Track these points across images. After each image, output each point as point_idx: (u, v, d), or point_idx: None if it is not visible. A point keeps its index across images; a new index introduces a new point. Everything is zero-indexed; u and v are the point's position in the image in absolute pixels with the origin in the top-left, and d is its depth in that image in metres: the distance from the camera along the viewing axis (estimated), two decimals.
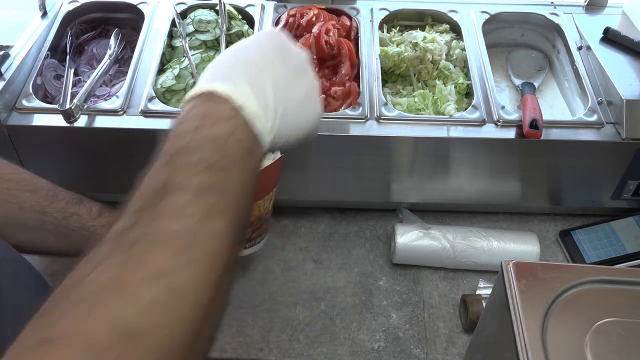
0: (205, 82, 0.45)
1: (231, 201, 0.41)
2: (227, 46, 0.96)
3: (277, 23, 1.03)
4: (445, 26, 1.06)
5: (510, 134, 0.87)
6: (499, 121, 0.88)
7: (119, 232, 0.38)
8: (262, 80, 0.45)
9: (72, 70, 0.96)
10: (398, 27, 1.05)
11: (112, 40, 1.00)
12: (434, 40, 1.00)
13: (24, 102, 0.88)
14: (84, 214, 0.69)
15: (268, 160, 0.73)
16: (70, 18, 1.04)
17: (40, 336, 0.33)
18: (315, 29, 0.97)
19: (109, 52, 0.98)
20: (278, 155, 0.74)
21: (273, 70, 0.46)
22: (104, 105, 0.88)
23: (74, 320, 0.33)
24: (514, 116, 0.88)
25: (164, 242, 0.37)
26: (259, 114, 0.44)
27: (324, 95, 0.63)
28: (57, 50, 1.00)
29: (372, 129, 0.87)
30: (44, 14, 1.02)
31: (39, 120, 0.86)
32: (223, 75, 0.45)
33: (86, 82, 0.89)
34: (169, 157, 0.41)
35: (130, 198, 0.40)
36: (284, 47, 0.50)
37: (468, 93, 0.97)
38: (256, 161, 0.45)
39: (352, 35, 1.02)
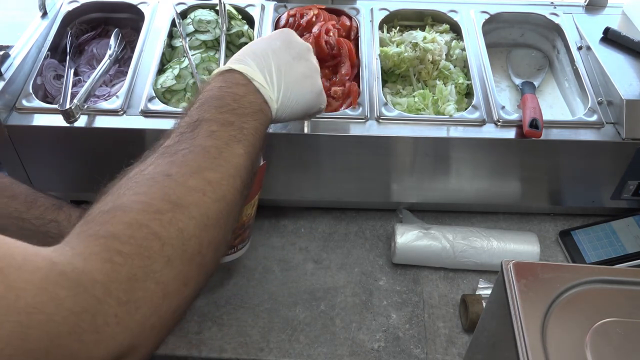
0: (226, 64, 0.61)
1: (246, 137, 0.54)
2: (227, 46, 0.96)
3: (277, 23, 1.03)
4: (445, 26, 1.06)
5: (510, 134, 0.87)
6: (499, 121, 0.88)
7: (166, 146, 0.51)
8: (267, 63, 0.60)
9: (72, 70, 0.96)
10: (398, 27, 1.05)
11: (112, 40, 1.00)
12: (434, 40, 1.00)
13: (24, 102, 0.88)
14: (63, 220, 0.69)
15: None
16: (70, 18, 1.04)
17: (111, 205, 0.45)
18: (315, 29, 0.97)
19: (109, 52, 0.98)
20: (261, 162, 0.74)
21: (277, 56, 0.61)
22: (104, 105, 0.88)
23: (134, 196, 0.45)
24: (514, 116, 0.88)
25: (201, 151, 0.50)
26: (264, 85, 0.59)
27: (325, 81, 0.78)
28: (57, 50, 1.00)
29: (372, 129, 0.87)
30: (44, 14, 1.02)
31: (39, 120, 0.86)
32: (239, 59, 0.61)
33: (86, 82, 0.89)
34: (200, 103, 0.55)
35: (174, 126, 0.54)
36: (288, 39, 0.65)
37: (468, 93, 0.97)
38: (265, 118, 0.59)
39: (352, 35, 1.02)
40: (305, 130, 0.84)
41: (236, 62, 0.60)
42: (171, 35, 1.01)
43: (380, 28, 1.05)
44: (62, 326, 0.36)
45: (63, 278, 0.37)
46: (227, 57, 0.97)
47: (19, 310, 0.34)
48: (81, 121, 0.85)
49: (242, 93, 0.57)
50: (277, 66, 0.60)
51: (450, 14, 1.06)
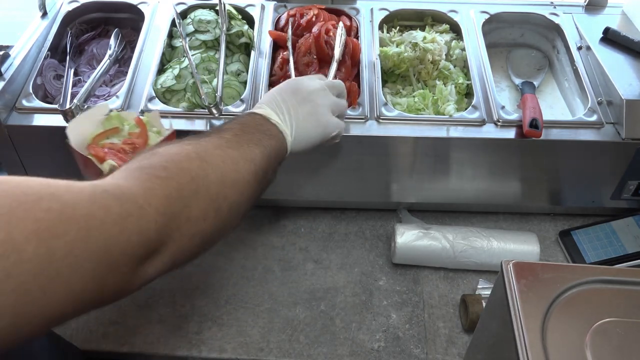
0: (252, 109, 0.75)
1: (263, 146, 0.66)
2: (227, 46, 0.96)
3: (277, 23, 1.03)
4: (445, 26, 1.06)
5: (510, 134, 0.87)
6: (499, 121, 0.88)
7: (194, 137, 0.61)
8: (279, 107, 0.74)
9: (72, 70, 0.96)
10: (398, 27, 1.05)
11: (112, 40, 1.00)
12: (434, 40, 1.00)
13: (24, 102, 0.88)
14: None
15: (160, 137, 0.79)
16: (70, 18, 1.04)
17: (150, 152, 0.56)
18: (315, 29, 0.97)
19: (109, 52, 0.98)
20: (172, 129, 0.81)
21: (285, 101, 0.74)
22: None
23: (169, 148, 0.57)
24: (514, 116, 0.88)
25: (224, 140, 0.62)
26: (279, 122, 0.72)
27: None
28: (57, 50, 1.00)
29: (372, 129, 0.87)
30: (44, 14, 1.02)
31: (39, 120, 0.86)
32: (258, 106, 0.75)
33: (86, 82, 0.89)
34: (227, 125, 0.68)
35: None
36: (295, 87, 0.76)
37: (468, 93, 0.97)
38: (281, 144, 0.70)
39: (352, 35, 1.02)
40: None
41: (256, 108, 0.75)
42: (171, 35, 1.01)
43: (380, 28, 1.05)
44: (113, 228, 0.44)
45: (107, 193, 0.46)
46: (227, 57, 0.97)
47: (77, 219, 0.42)
48: None
49: (262, 124, 0.71)
50: (286, 109, 0.74)
51: (450, 14, 1.06)
